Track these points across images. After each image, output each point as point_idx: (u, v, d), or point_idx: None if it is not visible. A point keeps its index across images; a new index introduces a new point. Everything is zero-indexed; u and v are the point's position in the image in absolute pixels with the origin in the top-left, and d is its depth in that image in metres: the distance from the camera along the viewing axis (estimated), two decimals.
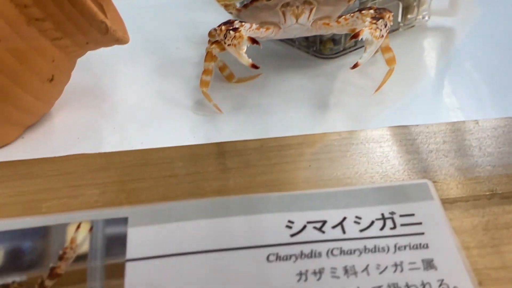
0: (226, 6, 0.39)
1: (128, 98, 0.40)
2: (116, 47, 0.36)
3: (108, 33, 0.33)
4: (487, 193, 0.31)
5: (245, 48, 0.33)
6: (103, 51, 0.37)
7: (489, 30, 0.48)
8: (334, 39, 0.43)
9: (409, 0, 0.46)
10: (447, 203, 0.30)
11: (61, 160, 0.33)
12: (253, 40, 0.33)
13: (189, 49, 0.46)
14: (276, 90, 0.40)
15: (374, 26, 0.34)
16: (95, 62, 0.42)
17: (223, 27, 0.34)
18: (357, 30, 0.34)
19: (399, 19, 0.47)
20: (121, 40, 0.35)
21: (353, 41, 0.44)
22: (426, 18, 0.48)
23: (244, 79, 0.41)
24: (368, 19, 0.34)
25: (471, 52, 0.45)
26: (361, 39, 0.34)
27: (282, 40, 0.46)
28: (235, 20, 0.35)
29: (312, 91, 0.40)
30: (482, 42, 0.46)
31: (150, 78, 0.42)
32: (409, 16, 0.47)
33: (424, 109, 0.38)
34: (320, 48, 0.43)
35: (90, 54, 0.36)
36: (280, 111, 0.38)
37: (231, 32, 0.33)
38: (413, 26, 0.48)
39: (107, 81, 0.41)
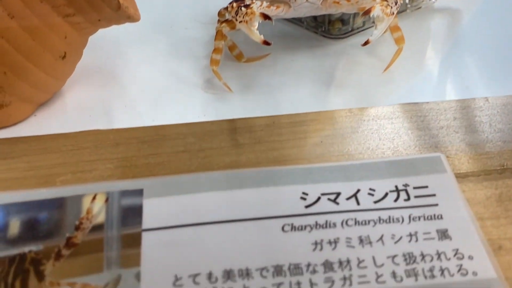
0: None
1: (139, 77, 0.40)
2: (126, 26, 0.36)
3: (120, 10, 0.33)
4: (498, 168, 0.31)
5: (256, 25, 0.33)
6: (114, 30, 0.37)
7: (495, 10, 0.48)
8: (342, 19, 0.43)
9: None
10: (459, 177, 0.30)
11: (75, 136, 0.33)
12: (265, 16, 0.33)
13: (198, 29, 0.46)
14: (285, 70, 0.40)
15: (385, 3, 0.34)
16: (106, 41, 0.42)
17: (234, 4, 0.34)
18: (367, 8, 0.34)
19: (407, 0, 0.46)
20: (133, 17, 0.35)
21: (362, 21, 0.44)
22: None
23: (253, 59, 0.41)
24: None
25: (477, 32, 0.45)
26: (371, 17, 0.34)
27: (290, 21, 0.46)
28: None
29: (321, 70, 0.40)
30: (489, 22, 0.46)
31: (161, 57, 0.42)
32: None
33: (433, 88, 0.38)
34: (328, 28, 0.43)
35: (101, 33, 0.36)
36: (290, 90, 0.38)
37: (242, 8, 0.33)
38: (420, 7, 0.48)
39: (118, 60, 0.41)
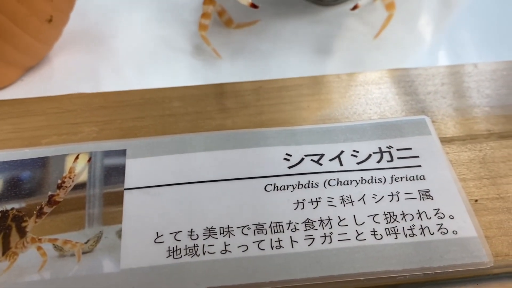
0: None
1: (127, 42, 0.39)
2: None
3: None
4: (485, 133, 0.31)
5: None
6: None
7: None
8: None
9: None
10: (444, 141, 0.30)
11: (61, 98, 0.33)
12: None
13: None
14: (275, 36, 0.40)
15: None
16: (93, 5, 0.42)
17: None
18: None
19: None
20: None
21: None
22: None
23: (243, 25, 0.41)
24: None
25: None
26: None
27: None
28: None
29: (311, 37, 0.40)
30: None
31: (149, 23, 0.42)
32: None
33: (424, 55, 0.38)
34: None
35: None
36: (280, 56, 0.38)
37: None
38: None
39: (106, 25, 0.41)
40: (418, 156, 0.28)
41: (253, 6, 0.33)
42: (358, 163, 0.27)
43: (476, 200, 0.26)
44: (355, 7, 0.34)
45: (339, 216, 0.25)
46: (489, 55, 0.37)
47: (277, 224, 0.25)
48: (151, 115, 0.32)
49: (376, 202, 0.26)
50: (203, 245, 0.24)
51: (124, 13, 0.42)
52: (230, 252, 0.24)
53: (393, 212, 0.25)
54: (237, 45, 0.39)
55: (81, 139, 0.30)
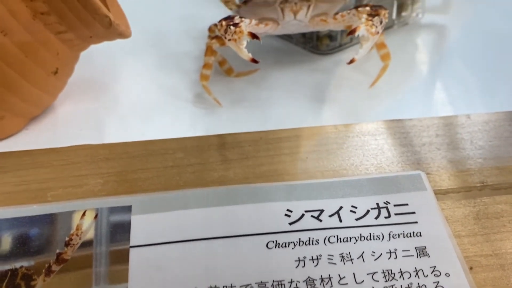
0: (226, 2, 0.40)
1: (130, 91, 0.40)
2: (117, 41, 0.37)
3: (111, 27, 0.34)
4: (478, 185, 0.32)
5: (245, 43, 0.34)
6: (105, 45, 0.38)
7: (481, 28, 0.49)
8: (330, 36, 0.44)
9: None
10: (439, 194, 0.31)
11: (66, 150, 0.34)
12: (253, 35, 0.34)
13: (189, 43, 0.47)
14: (274, 85, 0.41)
15: (370, 23, 0.35)
16: (97, 56, 0.43)
17: (223, 23, 0.35)
18: (353, 27, 0.35)
19: (393, 16, 0.48)
20: (124, 34, 0.35)
21: (349, 37, 0.45)
22: (420, 15, 0.50)
23: (243, 74, 0.42)
24: (364, 16, 0.35)
25: (463, 49, 0.46)
26: (357, 35, 0.34)
27: (280, 36, 0.47)
28: (235, 16, 0.35)
29: (309, 85, 0.41)
30: (474, 39, 0.48)
31: (151, 72, 0.43)
32: (403, 13, 0.48)
33: (418, 104, 0.40)
34: (317, 44, 0.44)
35: (93, 48, 0.37)
36: (278, 105, 0.39)
37: (231, 27, 0.34)
38: (407, 23, 0.49)
39: (109, 75, 0.42)
40: (414, 212, 0.29)
41: (254, 61, 0.34)
42: (356, 219, 0.28)
43: (471, 268, 0.27)
44: (351, 61, 0.35)
45: (339, 275, 0.26)
46: (481, 106, 0.38)
47: (279, 282, 0.26)
48: (155, 166, 0.33)
49: (374, 260, 0.26)
50: None
51: (127, 63, 0.44)
52: None
53: (391, 269, 0.26)
54: (237, 93, 0.40)
55: (86, 191, 0.31)
